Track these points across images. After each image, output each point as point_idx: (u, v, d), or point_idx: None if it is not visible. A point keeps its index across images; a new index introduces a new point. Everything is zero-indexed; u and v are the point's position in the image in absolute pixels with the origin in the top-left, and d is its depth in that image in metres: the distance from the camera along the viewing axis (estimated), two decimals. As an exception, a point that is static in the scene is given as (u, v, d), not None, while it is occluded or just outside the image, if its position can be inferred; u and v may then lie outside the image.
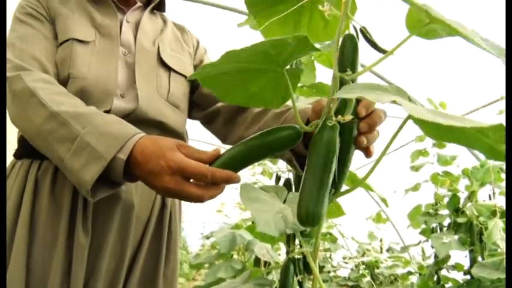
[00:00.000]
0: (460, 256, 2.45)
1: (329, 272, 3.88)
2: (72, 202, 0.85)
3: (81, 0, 0.98)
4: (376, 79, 3.14)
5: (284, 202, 0.66)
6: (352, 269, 3.91)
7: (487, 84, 2.73)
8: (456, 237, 2.34)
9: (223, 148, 0.73)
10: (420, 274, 3.08)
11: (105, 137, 0.72)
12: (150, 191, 0.90)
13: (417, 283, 2.78)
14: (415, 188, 2.88)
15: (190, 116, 1.10)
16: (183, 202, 1.02)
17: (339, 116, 0.55)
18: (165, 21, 1.11)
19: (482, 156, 2.74)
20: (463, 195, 2.52)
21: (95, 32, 0.95)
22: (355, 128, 0.61)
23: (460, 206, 2.46)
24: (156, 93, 0.96)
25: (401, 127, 0.52)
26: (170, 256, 0.98)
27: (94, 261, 0.86)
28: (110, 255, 0.88)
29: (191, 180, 0.69)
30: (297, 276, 1.04)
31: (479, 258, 2.24)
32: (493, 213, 2.20)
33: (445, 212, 2.62)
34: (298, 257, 1.21)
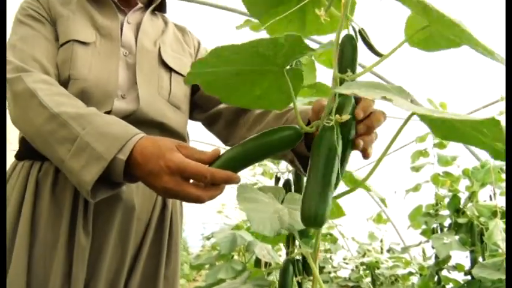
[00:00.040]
0: (461, 257, 2.45)
1: (329, 272, 3.87)
2: (73, 203, 0.85)
3: (82, 1, 0.98)
4: (376, 79, 3.13)
5: (282, 203, 0.66)
6: (352, 270, 3.89)
7: (487, 84, 2.73)
8: (457, 237, 2.33)
9: (224, 149, 0.73)
10: (421, 275, 3.07)
11: (105, 138, 0.72)
12: (151, 192, 0.90)
13: (418, 284, 2.77)
14: (416, 188, 2.87)
15: (192, 117, 1.11)
16: (183, 203, 1.02)
17: (337, 116, 0.55)
18: (166, 22, 1.11)
19: (482, 157, 2.75)
20: (463, 195, 2.51)
21: (96, 33, 0.95)
22: (352, 129, 0.61)
23: (461, 206, 2.46)
24: (157, 94, 0.96)
25: (401, 128, 0.52)
26: (171, 257, 0.98)
27: (95, 262, 0.86)
28: (110, 257, 0.88)
29: (191, 180, 0.69)
30: (296, 277, 1.04)
31: (480, 259, 2.23)
32: (494, 214, 2.20)
33: (445, 212, 2.62)
34: (298, 257, 1.21)
